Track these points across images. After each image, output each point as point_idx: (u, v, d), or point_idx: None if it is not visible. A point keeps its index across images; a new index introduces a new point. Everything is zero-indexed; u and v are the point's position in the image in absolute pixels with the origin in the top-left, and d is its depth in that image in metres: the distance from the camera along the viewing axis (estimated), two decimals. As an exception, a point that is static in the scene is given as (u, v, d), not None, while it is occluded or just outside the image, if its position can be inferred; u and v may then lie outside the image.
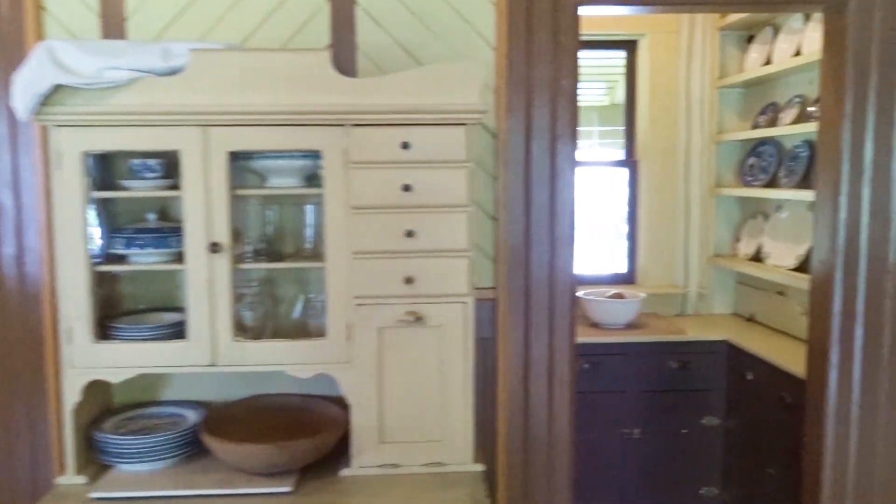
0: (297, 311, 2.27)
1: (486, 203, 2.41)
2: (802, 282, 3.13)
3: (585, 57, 4.23)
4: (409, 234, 2.00)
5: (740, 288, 3.98)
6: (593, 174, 4.74)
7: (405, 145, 1.97)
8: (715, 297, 4.04)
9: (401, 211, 1.99)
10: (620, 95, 4.19)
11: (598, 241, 4.66)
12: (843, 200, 2.47)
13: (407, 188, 1.98)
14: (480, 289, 2.41)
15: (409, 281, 2.01)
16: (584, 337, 3.50)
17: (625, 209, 4.09)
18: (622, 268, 4.13)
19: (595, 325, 3.65)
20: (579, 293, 3.68)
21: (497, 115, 2.35)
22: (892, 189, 2.45)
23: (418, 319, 2.03)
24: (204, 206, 1.96)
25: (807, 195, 3.14)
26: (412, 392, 2.06)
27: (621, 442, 3.55)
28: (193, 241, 1.97)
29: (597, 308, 3.61)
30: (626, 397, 3.55)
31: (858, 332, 2.51)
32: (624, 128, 4.11)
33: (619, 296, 3.67)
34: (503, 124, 2.34)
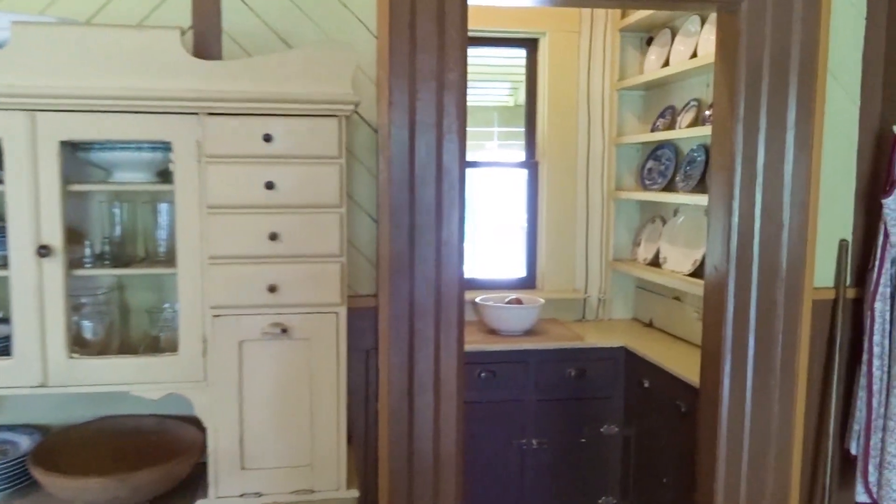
0: (150, 323, 2.03)
1: (368, 203, 2.23)
2: (698, 287, 3.09)
3: (488, 55, 4.11)
4: (273, 237, 1.79)
5: (639, 293, 3.94)
6: (495, 175, 4.63)
7: (267, 138, 1.77)
8: (615, 302, 3.99)
9: (263, 211, 1.79)
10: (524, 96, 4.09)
11: (498, 245, 4.56)
12: (736, 205, 2.41)
13: (270, 186, 1.78)
14: (361, 296, 2.22)
15: (273, 289, 1.81)
16: (482, 344, 3.37)
17: (525, 212, 3.98)
18: (522, 272, 4.02)
19: (493, 332, 3.52)
20: (476, 299, 3.55)
21: (378, 109, 2.18)
22: (783, 194, 2.41)
23: (284, 332, 1.83)
24: (31, 203, 1.70)
25: (703, 200, 3.10)
26: (277, 413, 1.86)
27: (519, 453, 3.43)
28: (18, 243, 1.71)
29: (494, 315, 3.48)
30: (525, 406, 3.44)
31: (751, 339, 2.45)
32: (525, 129, 4.00)
33: (517, 301, 3.55)
34: (385, 118, 2.17)
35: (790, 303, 2.45)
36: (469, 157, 4.46)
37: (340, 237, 1.82)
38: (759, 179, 2.40)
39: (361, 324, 2.20)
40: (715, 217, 2.51)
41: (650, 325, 3.81)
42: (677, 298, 3.54)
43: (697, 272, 3.23)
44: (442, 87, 2.21)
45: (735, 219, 2.41)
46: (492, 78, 4.51)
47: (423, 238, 2.25)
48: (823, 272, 2.47)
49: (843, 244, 2.46)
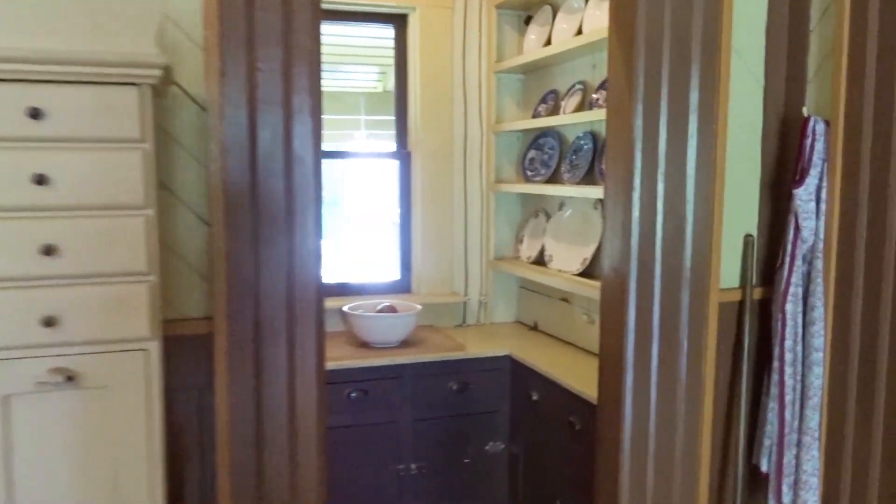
0: None
1: (197, 201, 1.75)
2: (588, 288, 2.80)
3: (352, 35, 3.67)
4: (49, 250, 1.30)
5: (523, 294, 3.63)
6: (364, 167, 4.21)
7: (35, 113, 1.27)
8: (497, 304, 3.66)
9: (31, 216, 1.29)
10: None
11: (369, 246, 4.14)
12: (637, 197, 2.11)
13: (41, 180, 1.28)
14: (191, 320, 1.75)
15: (50, 322, 1.31)
16: (351, 360, 2.94)
17: (397, 208, 3.58)
18: (396, 275, 3.62)
19: (364, 345, 3.10)
20: (345, 308, 3.11)
21: (207, 81, 1.70)
22: (687, 185, 2.13)
23: (70, 379, 1.33)
24: None
25: (591, 192, 2.82)
26: (68, 484, 1.36)
27: (396, 480, 3.04)
28: None
29: (364, 325, 3.06)
30: (401, 427, 3.04)
31: (654, 348, 2.17)
32: (395, 115, 3.60)
33: (391, 309, 3.15)
34: (216, 93, 1.69)
35: (695, 306, 2.18)
36: (332, 147, 4.04)
37: (147, 248, 1.35)
38: (661, 168, 2.12)
39: (191, 356, 1.73)
40: (612, 211, 2.21)
41: (535, 328, 3.51)
42: (565, 300, 3.25)
43: (587, 271, 2.95)
44: (290, 55, 1.76)
45: (636, 213, 2.11)
46: (358, 61, 4.08)
47: (269, 243, 1.80)
48: (729, 271, 2.22)
49: (748, 240, 2.23)
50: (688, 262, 2.16)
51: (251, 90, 1.72)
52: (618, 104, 2.16)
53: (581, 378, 2.69)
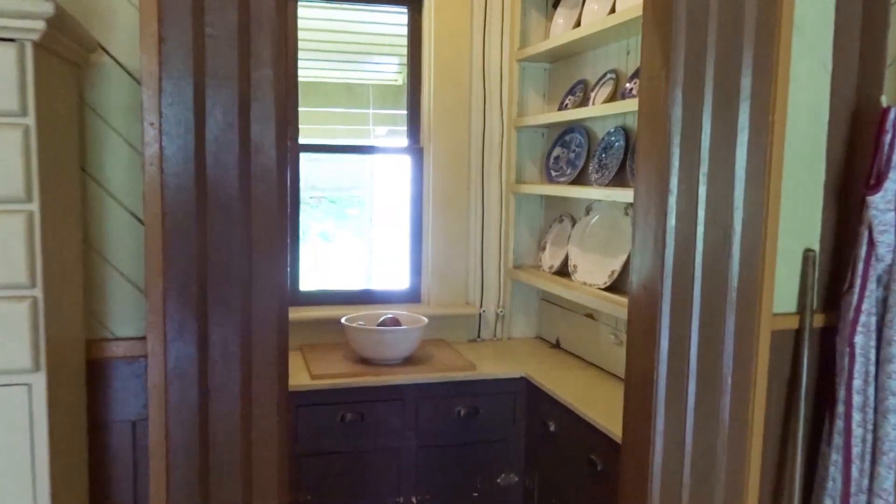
0: None
1: (129, 195, 1.44)
2: (616, 306, 2.44)
3: (368, 21, 3.35)
4: None
5: (545, 307, 3.28)
6: (376, 164, 3.90)
7: None
8: (516, 317, 3.31)
9: None
10: (406, 68, 3.35)
11: (377, 249, 3.83)
12: (673, 202, 1.75)
13: None
14: (121, 340, 1.44)
15: None
16: (347, 378, 2.62)
17: (408, 209, 3.25)
18: (404, 283, 3.29)
19: (364, 361, 2.78)
20: (343, 319, 2.79)
21: (142, 48, 1.39)
22: (735, 188, 1.77)
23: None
24: None
25: (621, 195, 2.46)
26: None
27: (395, 514, 2.71)
28: None
29: (364, 340, 2.74)
30: (403, 455, 2.71)
31: (691, 384, 1.80)
32: (407, 107, 3.27)
33: (394, 322, 2.82)
34: (153, 63, 1.38)
35: (742, 334, 1.81)
36: (340, 142, 3.70)
37: (29, 253, 1.04)
38: (704, 167, 1.75)
39: (122, 383, 1.42)
40: (643, 219, 1.85)
41: (557, 345, 3.16)
42: (590, 316, 2.89)
43: (616, 285, 2.59)
44: (247, 18, 1.44)
45: (671, 221, 1.75)
46: (374, 50, 3.77)
47: (220, 249, 1.48)
48: (785, 293, 1.85)
49: (808, 256, 1.85)
50: (734, 282, 1.79)
51: (197, 60, 1.41)
52: (651, 90, 1.81)
53: (605, 410, 2.33)
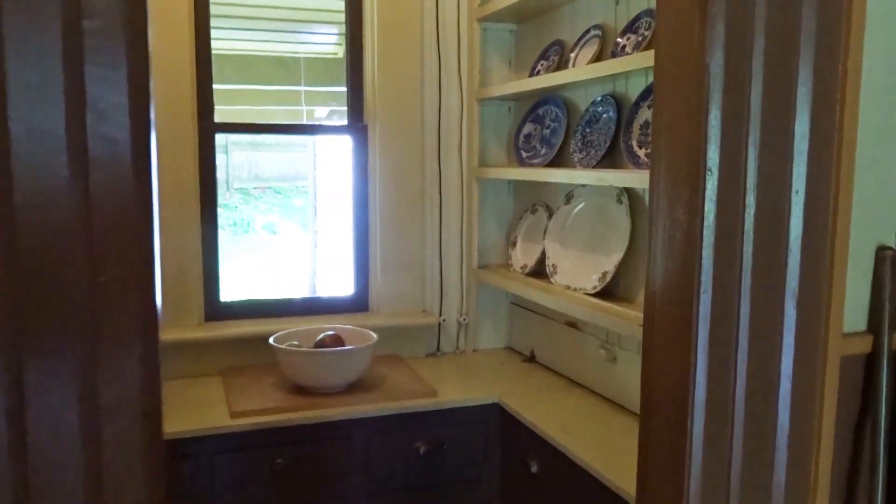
0: None
1: None
2: (610, 316, 1.96)
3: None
4: None
5: (516, 312, 2.78)
6: (319, 148, 3.37)
7: None
8: (482, 326, 2.81)
9: None
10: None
11: (320, 247, 3.30)
12: (711, 187, 1.26)
13: None
14: None
15: None
16: (279, 414, 2.09)
17: (351, 198, 2.72)
18: (349, 288, 2.76)
19: (300, 391, 2.24)
20: (271, 339, 2.25)
21: None
22: (793, 164, 1.28)
23: None
24: None
25: (613, 177, 1.97)
26: None
27: (342, 578, 2.19)
28: None
29: (298, 364, 2.20)
30: (349, 504, 2.19)
31: (737, 428, 1.33)
32: (347, 79, 2.72)
33: (336, 340, 2.28)
34: None
35: (804, 363, 1.34)
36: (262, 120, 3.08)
37: None
38: (754, 137, 1.26)
39: None
40: (666, 208, 1.35)
41: (532, 359, 2.67)
42: (572, 325, 2.41)
43: (608, 289, 2.10)
44: None
45: (709, 210, 1.26)
46: (311, 18, 3.22)
47: (44, 270, 0.94)
48: (852, 306, 1.38)
49: (885, 255, 1.38)
50: (793, 292, 1.32)
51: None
52: (678, 30, 1.31)
53: (603, 448, 1.85)
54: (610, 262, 2.09)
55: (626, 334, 1.94)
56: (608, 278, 2.07)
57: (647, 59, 1.79)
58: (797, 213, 1.29)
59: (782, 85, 1.26)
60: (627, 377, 2.12)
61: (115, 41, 0.94)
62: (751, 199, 1.27)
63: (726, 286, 1.29)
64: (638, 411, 1.46)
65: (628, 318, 1.87)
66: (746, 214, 1.27)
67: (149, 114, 0.98)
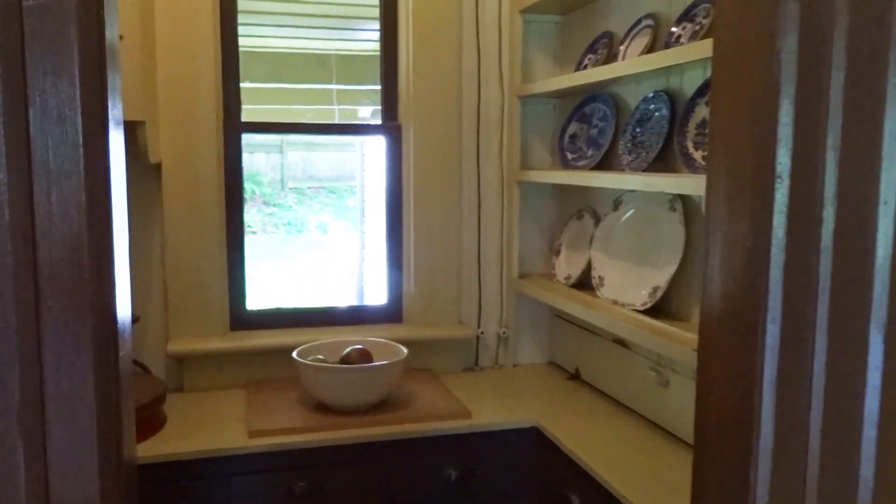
0: None
1: None
2: (661, 338, 1.76)
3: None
4: None
5: (560, 325, 2.59)
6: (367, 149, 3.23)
7: None
8: (523, 339, 2.63)
9: None
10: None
11: (343, 258, 3.16)
12: (784, 193, 1.06)
13: None
14: None
15: None
16: (299, 435, 1.95)
17: (384, 203, 2.56)
18: (381, 297, 2.61)
19: (323, 409, 2.10)
20: (295, 353, 2.11)
21: None
22: (880, 166, 1.07)
23: None
24: None
25: (667, 183, 1.77)
26: None
27: None
28: None
29: (322, 382, 2.06)
30: (375, 532, 2.04)
31: (811, 482, 1.12)
32: (381, 77, 2.57)
33: (362, 355, 2.13)
34: None
35: (891, 405, 1.12)
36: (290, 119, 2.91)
37: None
38: (834, 136, 1.06)
39: None
40: (725, 218, 1.15)
41: (576, 376, 2.47)
42: (620, 342, 2.21)
43: (660, 306, 1.90)
44: None
45: (779, 222, 1.06)
46: (353, 14, 3.08)
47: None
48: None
49: None
50: (878, 322, 1.10)
51: None
52: (741, 7, 1.11)
53: (651, 484, 1.65)
54: (661, 277, 1.88)
55: (680, 358, 1.73)
56: (659, 294, 1.87)
57: (704, 49, 1.58)
58: (885, 228, 1.08)
59: (869, 74, 1.05)
60: (681, 404, 1.92)
61: (63, 23, 0.80)
62: (829, 212, 1.06)
63: (798, 314, 1.08)
64: (692, 442, 1.27)
65: (682, 341, 1.67)
66: (824, 230, 1.07)
67: (106, 113, 0.84)
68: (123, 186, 0.93)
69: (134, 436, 1.09)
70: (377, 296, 2.65)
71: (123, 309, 0.92)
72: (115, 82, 0.88)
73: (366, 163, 4.99)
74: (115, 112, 0.88)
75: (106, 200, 0.84)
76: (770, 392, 1.10)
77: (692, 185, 1.64)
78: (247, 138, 2.39)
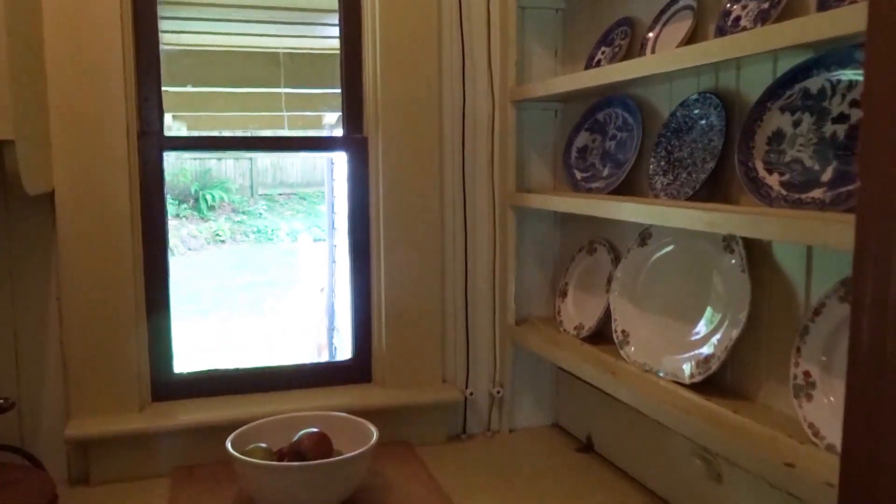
0: None
1: None
2: (719, 431, 1.28)
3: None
4: None
5: (566, 379, 2.11)
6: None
7: None
8: (522, 398, 2.15)
9: None
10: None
11: (296, 305, 2.66)
12: None
13: None
14: None
15: None
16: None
17: (346, 230, 2.07)
18: (346, 350, 2.11)
19: (267, 511, 1.59)
20: (228, 441, 1.60)
21: None
22: None
23: None
24: None
25: (730, 222, 1.28)
26: None
27: None
28: None
29: (263, 484, 1.55)
30: None
31: None
32: (342, 81, 2.07)
33: (318, 443, 1.63)
34: None
35: None
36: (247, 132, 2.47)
37: None
38: None
39: None
40: (878, 279, 0.68)
41: (588, 448, 1.99)
42: (650, 415, 1.73)
43: (714, 379, 1.42)
44: None
45: None
46: (307, 6, 2.60)
47: None
48: None
49: None
50: None
51: None
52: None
53: None
54: (716, 342, 1.41)
55: (748, 464, 1.26)
56: (714, 366, 1.39)
57: (780, 35, 1.11)
58: None
59: None
60: (740, 507, 1.44)
61: None
62: None
63: None
64: None
65: (761, 444, 1.19)
66: None
67: None
68: None
69: None
70: (338, 350, 2.16)
71: None
72: None
73: (335, 170, 4.50)
74: None
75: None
76: None
77: (773, 226, 1.15)
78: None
